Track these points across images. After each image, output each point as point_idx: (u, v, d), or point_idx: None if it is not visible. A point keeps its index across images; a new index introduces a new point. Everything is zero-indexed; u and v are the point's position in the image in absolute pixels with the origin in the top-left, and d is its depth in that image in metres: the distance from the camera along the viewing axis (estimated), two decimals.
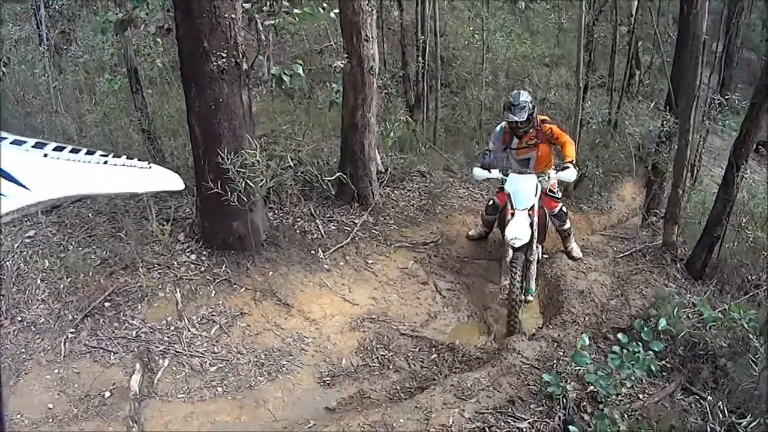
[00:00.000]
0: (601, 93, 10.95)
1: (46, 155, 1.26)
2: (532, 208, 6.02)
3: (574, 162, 6.14)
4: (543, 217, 6.32)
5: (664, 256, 6.68)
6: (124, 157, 1.37)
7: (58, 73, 8.99)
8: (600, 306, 5.92)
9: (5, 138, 1.26)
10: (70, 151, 1.31)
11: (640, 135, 9.25)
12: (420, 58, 9.42)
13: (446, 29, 12.10)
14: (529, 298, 6.00)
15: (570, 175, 6.15)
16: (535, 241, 6.04)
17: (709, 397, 4.65)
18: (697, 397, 4.77)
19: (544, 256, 6.75)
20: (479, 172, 6.26)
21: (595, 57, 11.94)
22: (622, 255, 6.88)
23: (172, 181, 1.46)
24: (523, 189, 6.04)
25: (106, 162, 1.33)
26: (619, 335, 4.63)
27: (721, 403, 4.50)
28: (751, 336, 4.67)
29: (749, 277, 6.20)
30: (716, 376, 4.92)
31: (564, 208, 6.66)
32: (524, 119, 6.12)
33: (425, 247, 6.86)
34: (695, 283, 6.34)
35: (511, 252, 5.86)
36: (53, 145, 1.30)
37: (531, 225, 5.94)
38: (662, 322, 4.73)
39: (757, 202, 6.71)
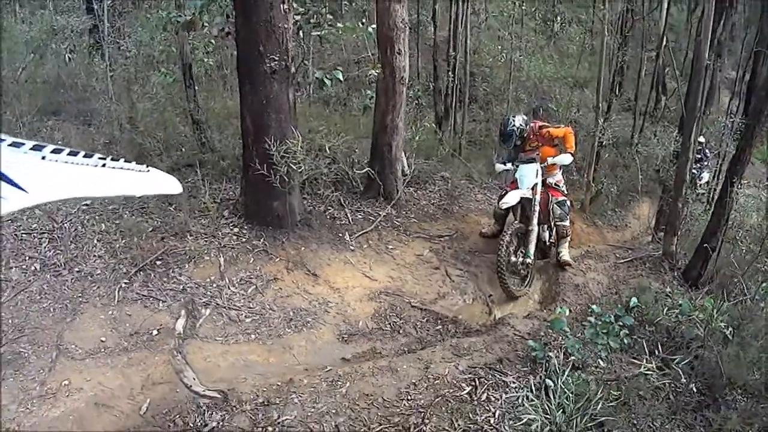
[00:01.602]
0: (628, 116, 12.09)
1: (44, 158, 1.31)
2: (534, 187, 7.46)
3: (572, 152, 7.61)
4: (546, 200, 7.64)
5: (662, 265, 7.71)
6: (122, 159, 1.45)
7: (110, 65, 10.41)
8: (593, 299, 7.01)
9: (3, 140, 1.29)
10: (69, 154, 1.37)
11: (660, 157, 10.28)
12: (450, 73, 10.70)
13: (479, 47, 13.36)
14: (528, 260, 7.36)
15: (565, 159, 7.63)
16: (535, 215, 7.40)
17: (683, 379, 5.55)
18: (671, 378, 5.61)
19: (551, 242, 7.95)
20: (499, 166, 8.01)
21: (625, 81, 13.13)
22: (623, 261, 7.99)
23: (171, 185, 1.56)
24: (526, 173, 7.54)
25: (104, 165, 1.40)
26: (593, 306, 5.78)
27: (693, 386, 5.49)
28: (722, 326, 5.67)
29: (741, 287, 6.95)
30: (691, 361, 5.76)
31: (568, 203, 7.88)
32: (513, 145, 7.81)
33: (440, 239, 8.09)
34: (689, 289, 7.27)
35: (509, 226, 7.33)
36: (51, 147, 1.35)
37: (530, 201, 7.44)
38: (633, 300, 5.85)
39: (750, 216, 7.77)
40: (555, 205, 7.72)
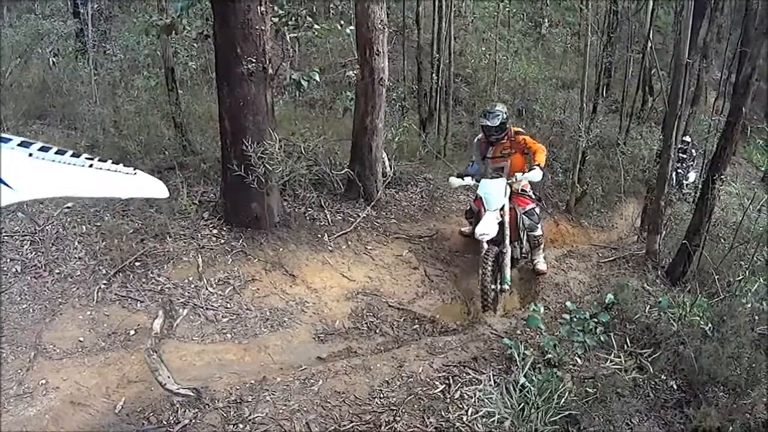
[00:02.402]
0: (615, 117, 12.17)
1: (31, 155, 1.31)
2: (502, 208, 7.12)
3: (541, 165, 7.20)
4: (515, 217, 7.32)
5: (646, 263, 7.68)
6: (110, 161, 1.45)
7: (96, 69, 10.53)
8: (573, 298, 7.00)
9: None
10: (56, 153, 1.37)
11: (646, 158, 10.29)
12: (434, 75, 10.78)
13: (464, 49, 13.46)
14: (505, 286, 7.07)
15: (536, 175, 7.15)
16: (507, 237, 7.12)
17: (662, 376, 5.56)
18: (649, 375, 5.60)
19: (522, 255, 7.72)
20: (454, 181, 7.51)
21: (612, 83, 13.23)
22: (605, 260, 8.02)
23: (157, 189, 1.57)
24: (493, 192, 7.12)
25: (91, 165, 1.40)
26: (568, 303, 5.83)
27: (673, 383, 5.51)
28: (701, 322, 5.71)
29: (724, 284, 6.85)
30: (670, 358, 5.74)
31: (537, 210, 7.63)
32: (496, 125, 7.34)
33: (420, 240, 8.15)
34: (672, 287, 7.23)
35: (485, 246, 6.94)
36: (39, 144, 1.35)
37: (501, 223, 7.07)
38: (609, 297, 5.90)
39: (735, 213, 7.83)
40: (523, 216, 7.43)
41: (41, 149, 1.35)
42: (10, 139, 1.33)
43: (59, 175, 1.34)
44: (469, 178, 7.43)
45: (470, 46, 13.79)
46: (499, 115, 7.38)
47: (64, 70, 10.80)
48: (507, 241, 7.17)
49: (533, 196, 7.69)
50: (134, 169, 1.52)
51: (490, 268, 6.74)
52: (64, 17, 12.58)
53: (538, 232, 7.59)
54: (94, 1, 10.84)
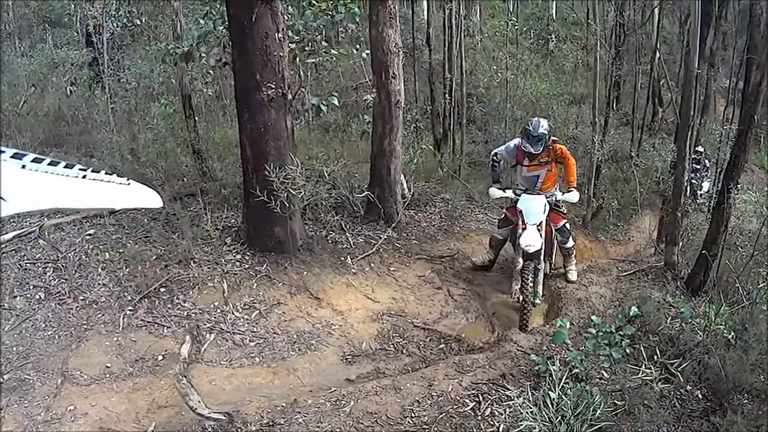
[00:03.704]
0: (626, 130, 12.26)
1: (24, 166, 1.31)
2: (540, 224, 7.27)
3: (575, 186, 7.47)
4: (549, 233, 7.54)
5: (665, 275, 7.72)
6: (103, 171, 1.46)
7: (111, 97, 10.66)
8: (595, 312, 7.06)
9: None
10: (49, 164, 1.37)
11: (659, 169, 10.34)
12: (447, 95, 10.89)
13: (475, 68, 13.58)
14: (537, 301, 7.23)
15: (574, 197, 7.50)
16: (542, 252, 7.28)
17: (688, 386, 5.58)
18: (675, 385, 5.61)
19: (552, 271, 7.98)
20: (494, 192, 7.59)
21: (622, 96, 13.32)
22: (625, 274, 8.06)
23: (151, 199, 1.59)
24: (534, 207, 7.29)
25: (84, 176, 1.40)
26: (593, 317, 5.88)
27: (698, 392, 5.55)
28: (724, 331, 5.70)
29: (745, 292, 6.87)
30: (695, 368, 5.77)
31: (567, 225, 7.83)
32: (540, 151, 7.36)
33: (442, 260, 8.21)
34: (692, 298, 7.23)
35: (521, 261, 7.15)
36: (32, 156, 1.35)
37: (541, 236, 7.22)
38: (633, 310, 5.93)
39: (751, 221, 7.85)
40: (556, 233, 7.72)
41: (34, 161, 1.35)
42: (2, 151, 1.33)
43: (52, 186, 1.34)
44: (510, 191, 7.55)
45: (481, 66, 13.93)
46: (542, 139, 7.32)
47: (80, 98, 10.94)
48: (542, 257, 7.32)
49: (564, 211, 7.80)
50: (128, 180, 1.51)
51: (531, 284, 6.94)
52: (78, 46, 12.75)
53: (570, 244, 7.81)
54: (106, 30, 10.93)
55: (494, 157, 7.81)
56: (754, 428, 5.01)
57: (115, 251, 7.08)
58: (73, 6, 13.62)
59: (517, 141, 7.64)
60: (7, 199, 1.22)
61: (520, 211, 7.34)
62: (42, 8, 15.34)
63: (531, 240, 7.10)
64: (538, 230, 7.23)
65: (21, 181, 1.30)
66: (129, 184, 1.49)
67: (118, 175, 1.47)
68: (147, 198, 1.57)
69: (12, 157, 1.33)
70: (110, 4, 11.47)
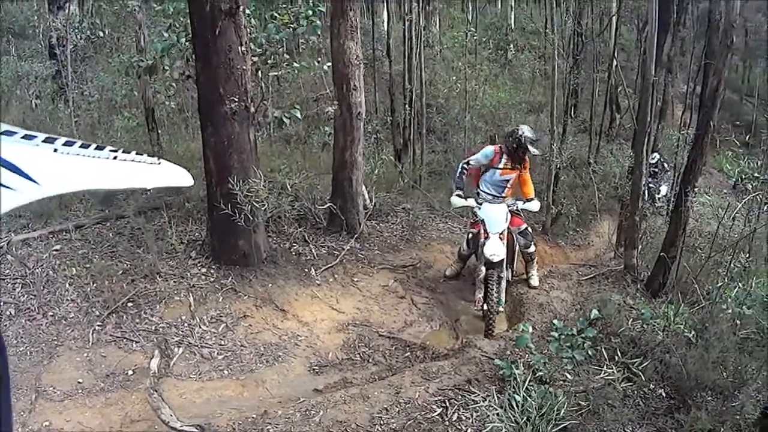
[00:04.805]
0: (584, 137, 12.51)
1: (56, 150, 1.32)
2: (503, 232, 7.46)
3: (533, 197, 7.84)
4: (511, 240, 7.72)
5: (625, 278, 7.94)
6: (134, 152, 1.45)
7: (74, 110, 10.61)
8: (557, 316, 7.22)
9: (16, 132, 1.31)
10: (80, 146, 1.37)
11: (617, 175, 10.61)
12: (407, 106, 11.04)
13: (434, 78, 13.77)
14: (500, 309, 7.40)
15: (535, 206, 7.81)
16: (505, 260, 7.44)
17: (651, 385, 5.79)
18: (638, 384, 5.80)
19: (514, 277, 8.16)
20: (456, 200, 7.75)
21: (579, 103, 13.61)
22: (585, 278, 8.26)
23: (181, 177, 1.56)
24: (496, 216, 7.48)
25: (115, 157, 1.40)
26: (555, 321, 6.05)
27: (662, 391, 5.76)
28: (684, 330, 5.91)
29: (701, 291, 7.13)
30: (657, 367, 5.98)
31: (529, 229, 8.09)
32: (540, 153, 7.81)
33: (405, 269, 8.37)
34: (652, 299, 7.47)
35: (484, 270, 7.32)
36: (63, 139, 1.36)
37: (503, 245, 7.41)
38: (594, 313, 6.10)
39: (709, 223, 8.09)
40: (518, 236, 7.89)
41: (66, 144, 1.34)
42: (35, 136, 1.33)
43: (84, 168, 1.34)
44: (472, 200, 7.73)
45: (440, 76, 14.11)
46: (528, 145, 7.54)
47: (44, 111, 10.89)
48: (504, 265, 7.48)
49: (523, 216, 8.00)
50: (158, 159, 1.51)
51: (495, 292, 7.15)
52: (41, 59, 12.66)
53: (532, 248, 8.02)
54: (69, 42, 10.89)
55: (465, 165, 7.94)
56: (718, 423, 5.21)
57: (82, 266, 7.13)
58: (36, 17, 13.57)
59: (495, 148, 7.84)
60: (41, 182, 1.22)
61: (482, 220, 7.52)
62: (5, 19, 15.19)
63: (494, 249, 7.26)
64: (501, 239, 7.40)
65: (53, 164, 1.29)
66: (160, 163, 1.50)
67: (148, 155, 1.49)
68: (177, 176, 1.53)
69: (43, 141, 1.33)
70: (74, 16, 11.46)
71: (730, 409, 5.40)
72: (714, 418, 5.25)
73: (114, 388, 5.81)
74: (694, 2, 17.17)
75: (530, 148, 7.54)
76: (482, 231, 7.49)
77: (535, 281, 8.06)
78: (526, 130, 7.58)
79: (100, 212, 8.35)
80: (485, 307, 7.23)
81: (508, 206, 7.68)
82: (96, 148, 1.38)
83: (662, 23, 10.06)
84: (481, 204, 7.68)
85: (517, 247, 7.98)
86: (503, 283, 7.50)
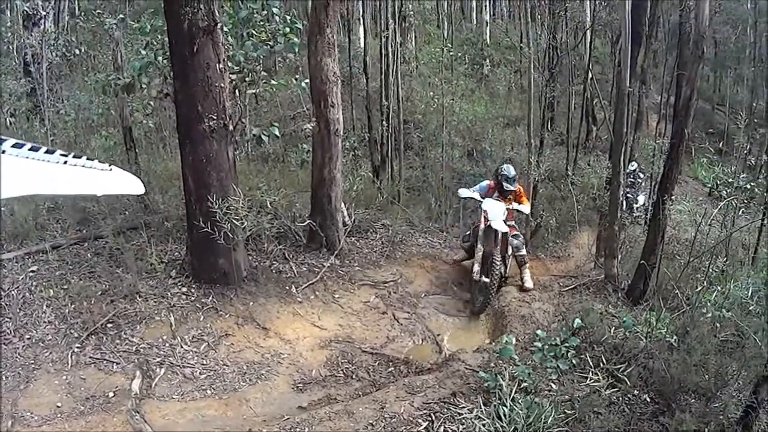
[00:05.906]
0: (561, 150, 12.61)
1: (3, 152, 1.29)
2: (505, 219, 8.30)
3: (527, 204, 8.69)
4: (506, 239, 8.30)
5: (606, 287, 8.03)
6: (85, 157, 1.43)
7: (50, 129, 10.53)
8: (540, 327, 7.24)
9: None
10: (30, 149, 1.34)
11: (595, 186, 10.78)
12: (384, 122, 11.07)
13: (411, 94, 13.83)
14: (506, 275, 8.49)
15: (525, 208, 8.77)
16: (498, 248, 8.05)
17: (635, 391, 5.80)
18: (623, 391, 5.84)
19: (506, 282, 8.50)
20: (463, 191, 8.95)
21: (556, 116, 13.71)
22: (567, 288, 8.31)
23: (133, 185, 1.54)
24: (496, 209, 8.44)
25: (66, 162, 1.37)
26: (538, 331, 6.08)
27: (646, 396, 5.76)
28: (666, 336, 5.98)
29: (684, 298, 7.12)
30: (641, 373, 6.01)
31: (522, 238, 8.76)
32: (513, 189, 8.60)
33: (386, 285, 8.41)
34: (633, 307, 7.53)
35: (482, 248, 8.16)
36: (12, 141, 1.33)
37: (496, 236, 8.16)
38: (577, 322, 6.15)
39: (686, 230, 8.18)
40: (512, 238, 8.56)
41: (14, 146, 1.32)
42: None
43: (33, 172, 1.31)
44: (477, 194, 8.78)
45: (417, 92, 14.18)
46: (515, 179, 8.79)
47: (19, 129, 10.78)
48: (497, 252, 8.12)
49: (517, 227, 8.86)
50: (110, 165, 1.49)
51: (498, 264, 8.00)
52: (16, 76, 12.54)
53: (524, 251, 8.69)
54: (44, 59, 10.83)
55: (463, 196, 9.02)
56: (702, 425, 5.23)
57: (60, 287, 7.08)
58: (11, 34, 13.47)
59: (489, 183, 8.99)
60: None
61: (485, 210, 8.43)
62: None
63: (498, 225, 8.21)
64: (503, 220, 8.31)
65: (3, 167, 1.26)
66: (111, 169, 1.48)
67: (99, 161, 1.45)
68: (128, 184, 1.52)
69: None
70: (49, 33, 11.38)
71: (714, 410, 5.45)
72: (698, 419, 5.29)
73: (94, 411, 5.73)
74: (666, 15, 17.43)
75: (504, 184, 8.65)
76: (483, 219, 8.37)
77: (529, 283, 8.44)
78: (504, 169, 8.80)
79: (77, 232, 8.30)
80: (483, 279, 7.94)
81: (507, 206, 8.61)
82: (46, 152, 1.37)
83: (635, 36, 10.19)
84: (483, 198, 8.66)
85: (511, 250, 8.55)
86: (500, 265, 8.08)
